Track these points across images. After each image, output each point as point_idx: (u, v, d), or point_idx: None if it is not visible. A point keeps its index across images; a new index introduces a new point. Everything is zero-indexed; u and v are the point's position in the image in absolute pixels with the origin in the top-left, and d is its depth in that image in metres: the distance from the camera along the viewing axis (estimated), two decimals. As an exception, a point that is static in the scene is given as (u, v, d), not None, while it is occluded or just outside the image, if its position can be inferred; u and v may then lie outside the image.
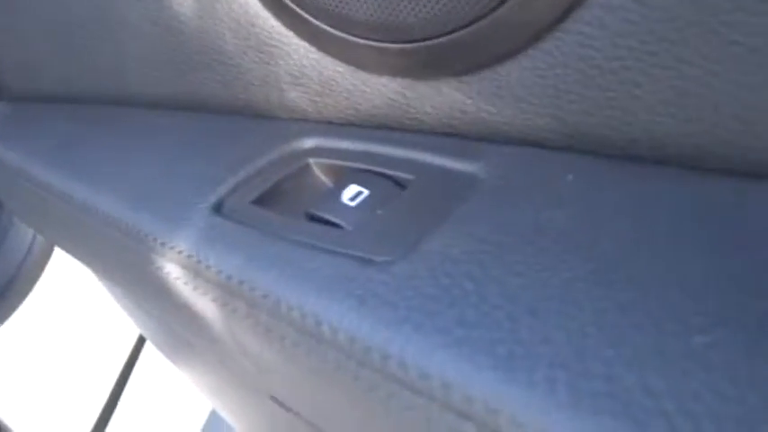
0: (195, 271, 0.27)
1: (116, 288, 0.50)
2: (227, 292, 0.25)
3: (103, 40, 0.41)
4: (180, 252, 0.28)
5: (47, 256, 0.77)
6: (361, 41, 0.29)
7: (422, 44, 0.27)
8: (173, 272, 0.28)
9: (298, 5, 0.30)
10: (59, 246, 0.49)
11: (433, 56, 0.27)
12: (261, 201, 0.29)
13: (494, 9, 0.24)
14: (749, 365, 0.16)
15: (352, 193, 0.27)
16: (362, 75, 0.31)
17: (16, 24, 0.46)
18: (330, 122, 0.34)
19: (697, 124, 0.23)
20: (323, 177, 0.31)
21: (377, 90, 0.31)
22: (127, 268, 0.35)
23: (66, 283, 0.88)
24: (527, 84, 0.26)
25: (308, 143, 0.32)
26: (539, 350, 0.17)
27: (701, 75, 0.22)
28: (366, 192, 0.27)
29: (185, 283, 0.28)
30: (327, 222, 0.26)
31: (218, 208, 0.29)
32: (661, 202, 0.22)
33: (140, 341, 0.81)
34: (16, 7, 0.45)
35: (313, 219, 0.27)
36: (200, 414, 0.92)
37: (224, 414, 0.56)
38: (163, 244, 0.29)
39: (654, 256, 0.20)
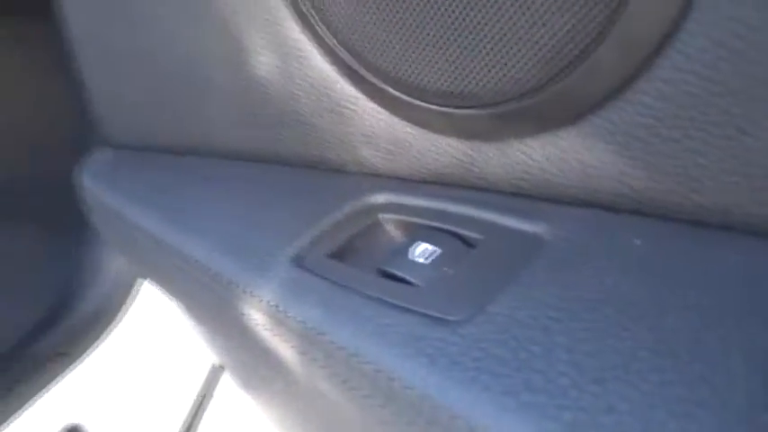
0: (277, 320, 0.29)
1: (196, 322, 0.53)
2: (307, 341, 0.27)
3: (195, 98, 0.45)
4: (263, 301, 0.30)
5: (135, 285, 0.83)
6: (431, 107, 0.31)
7: (487, 110, 0.29)
8: (256, 318, 0.31)
9: (373, 74, 0.33)
10: (148, 280, 0.53)
11: (497, 121, 0.29)
12: (336, 255, 0.31)
13: (554, 81, 0.26)
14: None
15: (422, 251, 0.29)
16: (431, 136, 0.33)
17: (119, 80, 0.51)
18: (400, 179, 0.36)
19: (763, 193, 0.23)
20: (393, 232, 0.33)
21: (445, 150, 0.33)
22: (211, 309, 0.38)
23: (148, 312, 0.93)
24: (590, 149, 0.27)
25: (380, 199, 0.34)
26: (603, 419, 0.18)
27: (765, 147, 0.23)
28: (436, 250, 0.29)
29: (267, 330, 0.30)
30: (399, 279, 0.28)
31: (297, 260, 0.31)
32: (729, 272, 0.23)
33: (215, 370, 0.85)
34: (119, 66, 0.50)
35: (385, 275, 0.29)
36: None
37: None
38: (247, 292, 0.31)
39: (720, 327, 0.20)
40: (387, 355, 0.24)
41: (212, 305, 0.36)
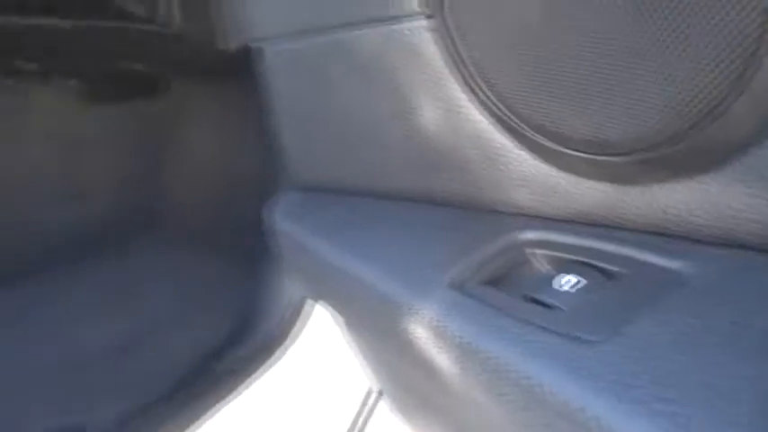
0: (437, 334, 0.34)
1: (361, 342, 0.60)
2: (463, 353, 0.32)
3: (369, 147, 0.53)
4: (425, 318, 0.36)
5: (308, 309, 0.94)
6: (576, 153, 0.35)
7: (628, 157, 0.32)
8: (418, 333, 0.36)
9: (525, 125, 0.38)
10: (323, 302, 0.62)
11: (638, 167, 0.32)
12: (489, 282, 0.36)
13: (693, 130, 0.29)
14: None
15: (565, 281, 0.33)
16: (577, 179, 0.37)
17: (306, 134, 0.62)
18: (547, 218, 0.40)
19: None
20: (540, 266, 0.37)
21: (590, 193, 0.36)
22: (377, 326, 0.44)
23: (318, 336, 1.04)
24: (731, 193, 0.29)
25: (528, 235, 0.39)
26: None
27: None
28: (579, 280, 0.32)
29: (428, 343, 0.36)
30: (544, 304, 0.32)
31: (454, 285, 0.36)
32: None
33: (373, 396, 0.92)
34: (307, 122, 0.61)
35: (532, 300, 0.33)
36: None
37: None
38: (412, 311, 0.37)
39: None
40: (532, 365, 0.28)
41: (379, 322, 0.43)
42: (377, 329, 0.45)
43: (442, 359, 0.34)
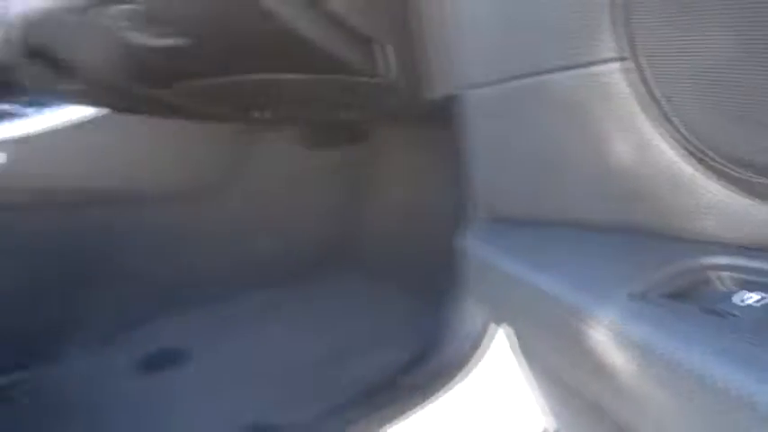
0: (617, 337, 0.38)
1: (536, 365, 0.64)
2: (641, 353, 0.36)
3: (559, 180, 0.59)
4: (606, 324, 0.40)
5: (490, 336, 1.00)
6: (764, 180, 0.37)
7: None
8: (599, 338, 0.41)
9: (714, 153, 0.40)
10: (504, 323, 0.67)
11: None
12: (669, 296, 0.39)
13: None
14: None
15: (746, 297, 0.35)
16: (763, 206, 0.38)
17: (499, 170, 0.69)
18: (732, 245, 0.41)
19: None
20: (721, 286, 0.39)
21: (778, 219, 0.38)
22: (559, 335, 0.48)
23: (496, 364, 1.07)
24: None
25: (711, 260, 0.41)
26: None
27: None
28: (762, 296, 0.34)
29: (607, 345, 0.40)
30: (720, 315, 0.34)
31: (634, 296, 0.40)
32: None
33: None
34: (500, 159, 0.68)
35: (711, 312, 0.35)
36: None
37: None
38: (593, 318, 0.41)
39: None
40: (710, 362, 0.31)
41: (559, 332, 0.47)
42: (556, 340, 0.49)
43: (620, 360, 0.38)
